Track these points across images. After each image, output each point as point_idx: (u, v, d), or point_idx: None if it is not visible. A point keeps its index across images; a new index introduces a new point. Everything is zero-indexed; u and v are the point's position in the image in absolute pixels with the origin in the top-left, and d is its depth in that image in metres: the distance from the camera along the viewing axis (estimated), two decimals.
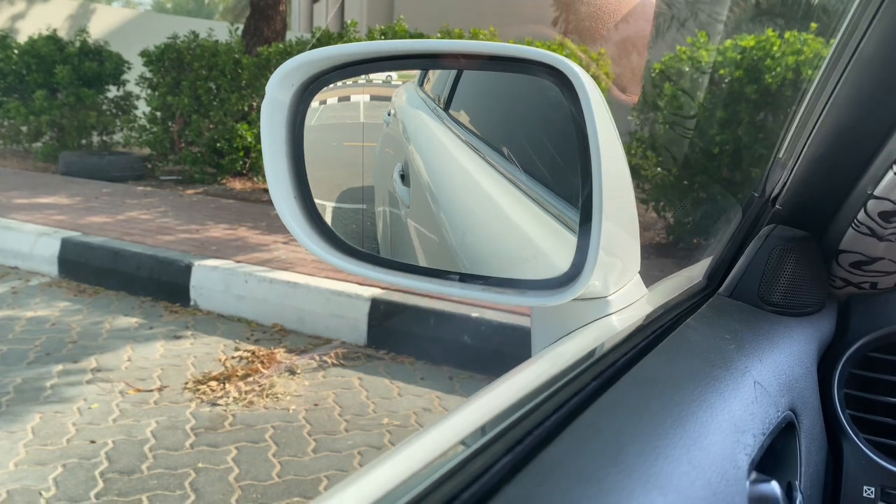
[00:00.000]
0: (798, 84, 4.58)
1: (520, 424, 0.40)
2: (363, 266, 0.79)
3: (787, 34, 4.84)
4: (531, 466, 0.37)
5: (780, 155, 0.82)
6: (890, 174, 0.64)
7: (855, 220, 0.71)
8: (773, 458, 0.58)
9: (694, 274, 0.90)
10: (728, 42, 5.14)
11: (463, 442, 0.39)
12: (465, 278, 0.76)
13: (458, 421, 0.42)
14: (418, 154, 1.11)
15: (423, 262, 0.97)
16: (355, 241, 0.88)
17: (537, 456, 0.37)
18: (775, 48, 4.78)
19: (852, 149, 0.71)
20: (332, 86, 0.81)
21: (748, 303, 0.77)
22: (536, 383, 0.49)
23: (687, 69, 5.14)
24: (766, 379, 0.60)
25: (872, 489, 0.74)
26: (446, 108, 1.02)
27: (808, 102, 0.77)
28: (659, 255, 5.29)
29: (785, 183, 0.79)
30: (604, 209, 0.62)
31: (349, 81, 0.83)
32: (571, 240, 0.69)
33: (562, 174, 0.75)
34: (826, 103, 0.71)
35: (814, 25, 5.00)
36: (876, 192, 0.66)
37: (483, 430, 0.40)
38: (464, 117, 1.00)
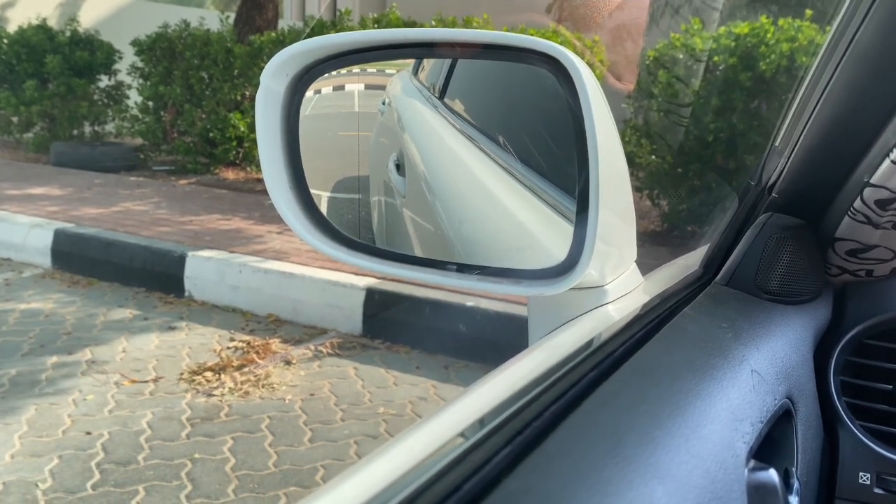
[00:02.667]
0: (792, 71, 4.58)
1: (519, 415, 0.40)
2: (360, 256, 0.79)
3: (781, 21, 4.83)
4: (531, 458, 0.37)
5: (777, 143, 0.82)
6: (887, 162, 0.64)
7: (851, 208, 0.71)
8: (770, 445, 0.59)
9: (690, 262, 0.90)
10: (722, 29, 5.13)
11: (462, 434, 0.39)
12: (462, 268, 0.76)
13: (456, 412, 0.42)
14: (413, 143, 1.11)
15: (418, 252, 0.97)
16: (351, 230, 0.87)
17: (537, 447, 0.37)
18: (769, 35, 4.77)
19: (849, 137, 0.71)
20: (327, 75, 0.80)
21: (745, 291, 0.77)
22: (535, 374, 0.49)
23: (681, 56, 5.13)
24: (763, 367, 0.60)
25: (868, 475, 0.74)
26: (441, 96, 1.02)
27: (805, 91, 0.77)
28: (654, 243, 5.30)
29: (781, 171, 0.79)
30: (600, 198, 0.62)
31: (344, 71, 0.82)
32: (568, 229, 0.68)
33: (558, 163, 0.75)
34: (823, 92, 0.71)
35: (808, 12, 4.99)
36: (872, 181, 0.66)
37: (482, 421, 0.40)
38: (459, 106, 0.99)
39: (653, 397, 0.47)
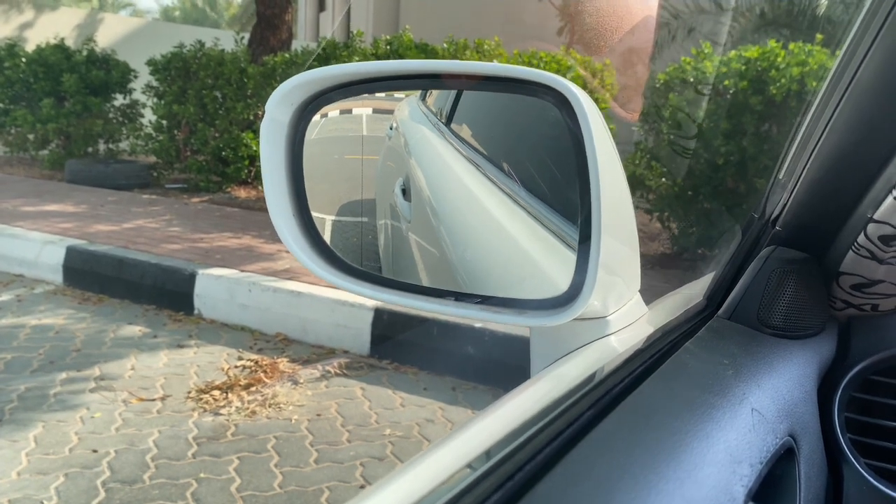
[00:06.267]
0: (803, 95, 4.58)
1: (512, 459, 0.40)
2: (361, 284, 0.79)
3: (791, 45, 4.83)
4: None
5: (780, 176, 0.82)
6: (890, 199, 0.63)
7: (855, 243, 0.71)
8: (772, 484, 0.58)
9: (695, 292, 0.89)
10: (732, 53, 5.14)
11: (448, 479, 0.38)
12: (464, 297, 0.76)
13: (450, 451, 0.42)
14: (419, 168, 1.11)
15: (423, 277, 0.97)
16: (355, 254, 0.88)
17: (527, 494, 0.37)
18: (780, 59, 4.78)
19: (852, 172, 0.70)
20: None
21: (747, 325, 0.77)
22: (533, 411, 0.48)
23: (691, 80, 5.14)
24: (765, 405, 0.59)
25: None
26: (448, 122, 1.03)
27: (809, 124, 0.76)
28: (663, 266, 5.28)
29: (785, 205, 0.78)
30: (603, 228, 0.62)
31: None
32: (571, 257, 0.68)
33: (562, 191, 0.75)
34: (826, 126, 0.71)
35: (819, 36, 4.99)
36: (876, 216, 0.66)
37: (471, 466, 0.40)
38: (465, 132, 1.00)
39: (648, 440, 0.46)
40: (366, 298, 3.98)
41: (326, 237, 0.83)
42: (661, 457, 0.44)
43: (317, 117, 0.80)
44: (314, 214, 0.82)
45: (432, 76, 0.78)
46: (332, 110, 0.84)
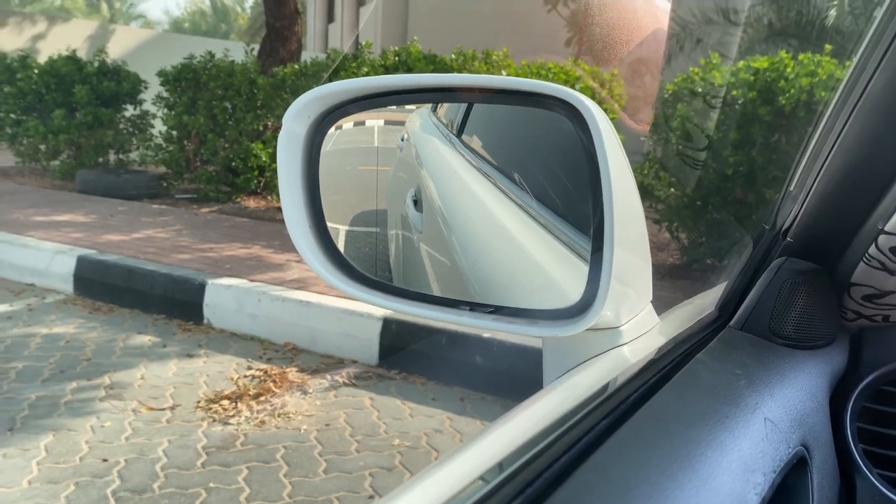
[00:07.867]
0: (812, 106, 4.57)
1: (530, 466, 0.40)
2: (376, 294, 0.80)
3: (800, 56, 4.84)
4: None
5: (791, 188, 0.82)
6: None
7: (866, 255, 0.71)
8: (784, 494, 0.58)
9: (706, 302, 0.89)
10: (741, 63, 5.14)
11: (468, 487, 0.39)
12: (477, 307, 0.76)
13: (465, 461, 0.42)
14: (431, 179, 1.12)
15: (434, 288, 0.98)
16: (368, 264, 0.89)
17: (546, 500, 0.38)
18: (789, 70, 4.78)
19: (863, 184, 0.71)
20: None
21: (759, 336, 0.77)
22: (548, 420, 0.49)
23: (700, 90, 5.15)
24: (777, 415, 0.60)
25: None
26: (459, 134, 1.03)
27: (819, 136, 0.77)
28: (673, 276, 5.27)
29: (796, 216, 0.79)
30: (615, 239, 0.63)
31: None
32: (583, 268, 0.69)
33: (573, 202, 0.75)
34: (837, 138, 0.71)
35: (828, 47, 4.99)
36: (887, 228, 0.66)
37: (483, 478, 0.40)
38: (476, 143, 1.00)
39: (664, 448, 0.47)
40: (376, 308, 3.98)
41: (340, 247, 0.84)
42: (677, 465, 0.44)
43: (332, 129, 0.82)
44: (329, 225, 0.83)
45: (445, 90, 0.80)
46: (347, 122, 0.85)
